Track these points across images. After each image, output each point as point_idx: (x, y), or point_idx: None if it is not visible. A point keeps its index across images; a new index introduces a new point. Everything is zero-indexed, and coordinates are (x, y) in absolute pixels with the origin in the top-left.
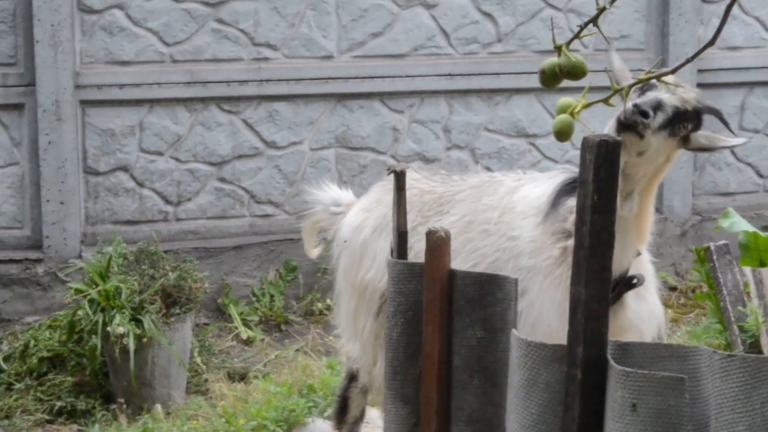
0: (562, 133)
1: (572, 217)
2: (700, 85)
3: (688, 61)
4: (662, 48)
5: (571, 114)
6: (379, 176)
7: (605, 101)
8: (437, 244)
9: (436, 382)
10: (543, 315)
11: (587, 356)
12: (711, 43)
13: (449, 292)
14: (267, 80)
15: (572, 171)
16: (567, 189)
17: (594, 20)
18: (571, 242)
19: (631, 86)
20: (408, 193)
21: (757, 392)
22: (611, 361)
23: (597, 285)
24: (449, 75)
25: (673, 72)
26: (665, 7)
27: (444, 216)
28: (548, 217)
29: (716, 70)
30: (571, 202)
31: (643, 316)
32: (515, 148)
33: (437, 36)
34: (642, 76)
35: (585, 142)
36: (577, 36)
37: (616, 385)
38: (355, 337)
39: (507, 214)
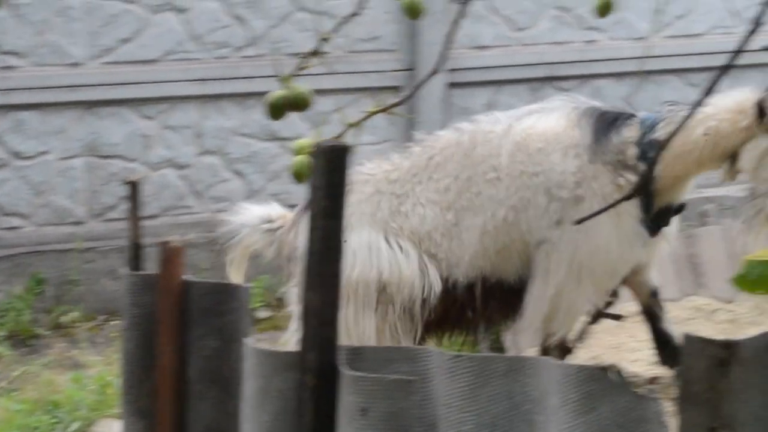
0: (301, 174)
1: (630, 151)
2: (450, 85)
3: (417, 87)
4: (413, 49)
5: (308, 155)
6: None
7: (338, 138)
8: (170, 254)
9: (171, 395)
10: (602, 242)
11: (319, 362)
12: (435, 71)
13: (183, 303)
14: (13, 89)
15: (573, 100)
16: (603, 120)
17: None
18: (629, 177)
19: (361, 120)
20: (371, 182)
21: (483, 390)
22: (343, 367)
23: (328, 291)
24: (201, 80)
25: (410, 96)
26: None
27: (428, 183)
28: (595, 148)
29: (466, 69)
30: (622, 134)
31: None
32: (267, 151)
33: (188, 41)
34: (372, 109)
35: (316, 148)
36: (301, 68)
37: (347, 390)
38: (359, 340)
39: (519, 153)
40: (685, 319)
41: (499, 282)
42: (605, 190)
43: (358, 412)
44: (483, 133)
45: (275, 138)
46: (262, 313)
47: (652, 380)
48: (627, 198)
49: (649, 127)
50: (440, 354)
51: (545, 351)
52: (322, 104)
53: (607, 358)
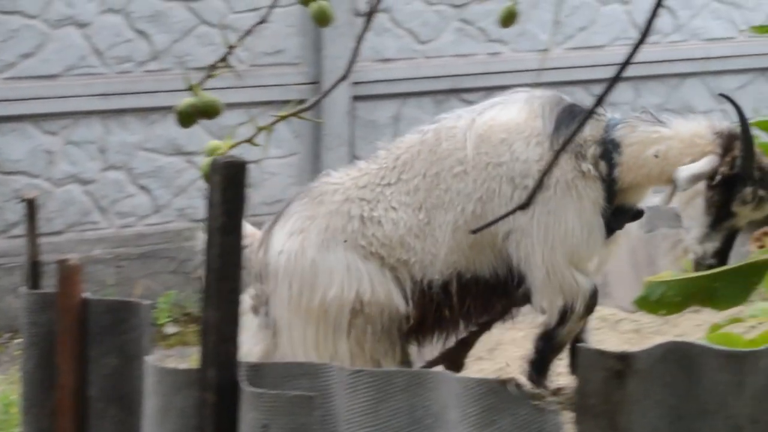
0: (208, 176)
1: (591, 149)
2: (355, 98)
3: (326, 94)
4: (317, 62)
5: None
6: None
7: (249, 141)
8: (69, 272)
9: (72, 414)
10: (568, 227)
11: (219, 379)
12: (344, 77)
13: (83, 321)
14: None
15: (536, 92)
16: (566, 112)
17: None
18: (589, 167)
19: (273, 123)
20: (339, 191)
21: (384, 405)
22: (243, 384)
23: (228, 308)
24: (104, 95)
25: (317, 102)
26: None
27: (397, 185)
28: (557, 137)
29: (371, 83)
30: (584, 133)
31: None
32: (173, 166)
33: (90, 56)
34: (282, 112)
35: (213, 164)
36: (209, 77)
37: (248, 407)
38: None
39: (483, 145)
40: (589, 329)
41: (474, 277)
42: (568, 177)
43: (259, 428)
44: (446, 129)
45: (180, 152)
46: (171, 329)
47: (556, 391)
48: (520, 208)
49: (612, 128)
50: (341, 369)
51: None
52: (226, 118)
53: (512, 370)
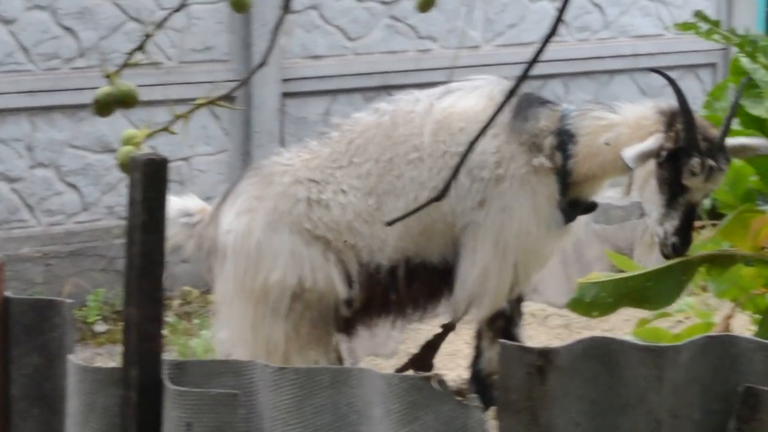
0: (126, 165)
1: (548, 141)
2: (285, 95)
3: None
4: (247, 58)
5: (135, 144)
6: None
7: (167, 129)
8: None
9: None
10: (523, 223)
11: (142, 378)
12: (262, 63)
13: (4, 320)
14: None
15: (494, 81)
16: (522, 102)
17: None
18: (543, 160)
19: (190, 112)
20: (289, 172)
21: (308, 402)
22: (166, 382)
23: (150, 305)
24: (30, 92)
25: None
26: (248, 17)
27: (349, 168)
28: (513, 128)
29: (300, 79)
30: (539, 122)
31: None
32: (102, 163)
33: (17, 52)
34: (200, 100)
35: (132, 161)
36: (127, 63)
37: (172, 405)
38: (256, 344)
39: (442, 132)
40: (521, 325)
41: (423, 263)
42: (521, 171)
43: (183, 427)
44: (404, 113)
45: (109, 150)
46: (100, 327)
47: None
48: (435, 200)
49: (567, 118)
50: (264, 367)
51: (478, 332)
52: (156, 115)
53: (442, 366)
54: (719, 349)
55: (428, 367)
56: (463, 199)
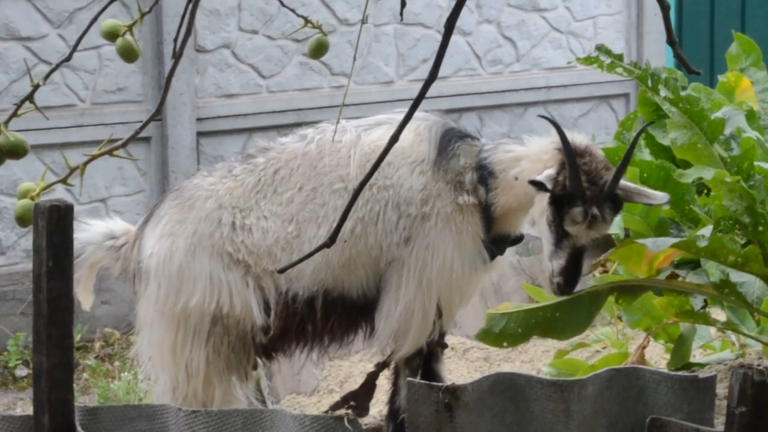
0: (24, 219)
1: (469, 176)
2: (200, 134)
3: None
4: (160, 99)
5: (32, 198)
6: None
7: (63, 181)
8: None
9: None
10: (447, 260)
11: (54, 425)
12: (157, 112)
13: None
14: None
15: (422, 116)
16: (446, 138)
17: (30, 96)
18: (468, 198)
19: (86, 163)
20: (213, 197)
21: None
22: (79, 428)
23: (59, 353)
24: None
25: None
26: (160, 58)
27: (273, 197)
28: (439, 165)
29: (215, 118)
30: (460, 160)
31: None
32: None
33: None
34: (96, 151)
35: (37, 208)
36: (14, 114)
37: None
38: (177, 367)
39: (369, 165)
40: (442, 360)
41: (342, 296)
42: (447, 210)
43: None
44: (331, 143)
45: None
46: (21, 372)
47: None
48: (325, 246)
49: (484, 152)
50: (177, 411)
51: (396, 369)
52: (70, 158)
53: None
54: (625, 381)
55: (365, 407)
56: (390, 234)
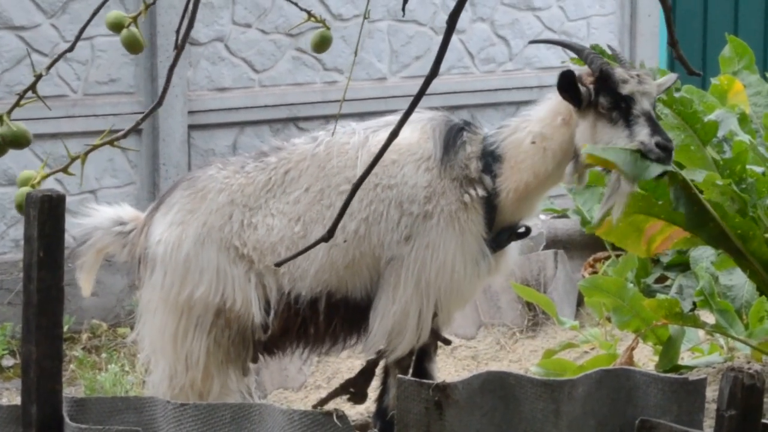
0: (20, 206)
1: (474, 165)
2: (192, 127)
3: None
4: (152, 90)
5: (32, 186)
6: None
7: (64, 170)
8: None
9: None
10: (448, 260)
11: (42, 416)
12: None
13: None
14: None
15: (429, 111)
16: (452, 133)
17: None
18: (474, 191)
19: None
20: (226, 191)
21: None
22: (66, 419)
23: (48, 343)
24: None
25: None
26: (153, 50)
27: (281, 196)
28: (445, 163)
29: (207, 111)
30: (466, 149)
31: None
32: (7, 196)
33: None
34: (97, 141)
35: (28, 198)
36: (17, 104)
37: None
38: (176, 356)
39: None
40: (434, 359)
41: (345, 298)
42: (451, 208)
43: None
44: (339, 145)
45: (14, 183)
46: (7, 362)
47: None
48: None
49: (488, 139)
50: (166, 403)
51: (386, 368)
52: (62, 149)
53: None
54: (615, 382)
55: (363, 393)
56: (391, 231)
